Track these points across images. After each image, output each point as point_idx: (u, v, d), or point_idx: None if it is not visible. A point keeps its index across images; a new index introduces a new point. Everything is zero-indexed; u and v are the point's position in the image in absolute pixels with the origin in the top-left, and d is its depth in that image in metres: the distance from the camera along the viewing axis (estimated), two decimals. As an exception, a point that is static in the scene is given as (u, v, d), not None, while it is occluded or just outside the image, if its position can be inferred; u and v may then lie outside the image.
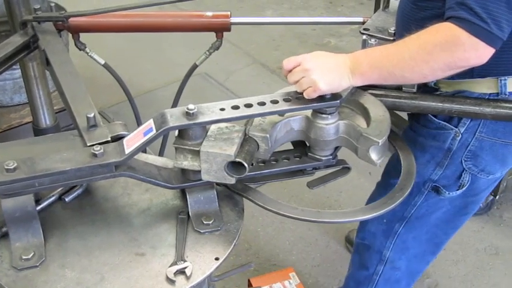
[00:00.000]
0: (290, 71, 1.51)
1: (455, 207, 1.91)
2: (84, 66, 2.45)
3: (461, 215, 1.95)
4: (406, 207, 1.92)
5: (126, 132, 1.46)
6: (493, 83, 1.63)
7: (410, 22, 1.69)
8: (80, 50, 2.26)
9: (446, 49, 1.41)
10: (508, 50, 1.55)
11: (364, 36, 1.85)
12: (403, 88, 1.70)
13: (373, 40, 1.85)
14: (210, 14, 2.23)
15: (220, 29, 2.25)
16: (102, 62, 2.32)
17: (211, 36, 2.29)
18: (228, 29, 2.24)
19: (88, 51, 2.27)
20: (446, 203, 1.89)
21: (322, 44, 4.58)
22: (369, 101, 1.59)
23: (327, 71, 1.47)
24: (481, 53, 1.40)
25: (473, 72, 1.61)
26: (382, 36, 1.87)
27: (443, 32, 1.41)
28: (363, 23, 2.08)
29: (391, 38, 1.85)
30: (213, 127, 1.45)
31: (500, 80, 1.62)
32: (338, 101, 1.49)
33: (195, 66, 2.37)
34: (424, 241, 2.04)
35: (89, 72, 2.75)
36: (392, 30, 1.86)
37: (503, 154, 1.75)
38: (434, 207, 1.90)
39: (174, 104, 2.44)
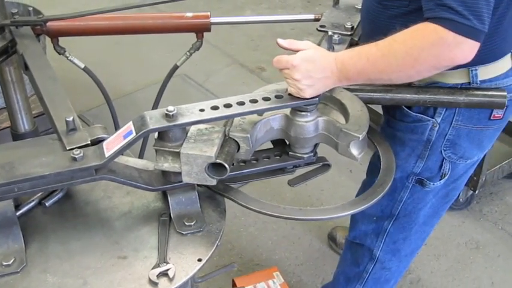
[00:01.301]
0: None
1: (439, 199, 1.94)
2: (63, 69, 2.43)
3: (444, 203, 1.99)
4: (393, 204, 1.94)
5: (106, 136, 1.46)
6: (464, 73, 1.66)
7: (376, 21, 1.71)
8: (60, 54, 2.25)
9: (433, 52, 1.41)
10: None
11: (330, 32, 1.91)
12: None
13: (336, 36, 1.92)
14: (190, 14, 2.23)
15: (200, 30, 2.25)
16: (82, 65, 2.31)
17: (189, 38, 2.29)
18: (208, 29, 2.25)
19: (68, 55, 2.26)
20: (430, 196, 1.91)
21: (301, 43, 4.58)
22: (346, 97, 1.60)
23: (313, 82, 1.47)
24: (466, 50, 1.41)
25: None
26: (340, 32, 1.96)
27: (430, 35, 1.41)
28: (315, 19, 2.16)
29: (349, 33, 1.94)
30: (192, 128, 1.45)
31: (471, 71, 1.66)
32: (317, 99, 1.50)
33: (176, 67, 2.37)
34: (414, 240, 2.06)
35: (68, 75, 2.73)
36: (349, 25, 1.95)
37: (479, 139, 1.79)
38: (421, 203, 1.92)
39: (155, 106, 2.43)
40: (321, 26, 1.96)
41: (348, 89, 1.64)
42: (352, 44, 1.94)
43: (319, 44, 1.85)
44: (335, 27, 1.96)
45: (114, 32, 2.27)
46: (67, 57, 2.26)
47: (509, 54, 1.71)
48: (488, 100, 1.67)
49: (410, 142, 1.81)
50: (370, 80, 1.54)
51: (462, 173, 1.89)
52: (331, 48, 1.85)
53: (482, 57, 1.62)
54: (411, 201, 1.92)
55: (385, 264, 2.11)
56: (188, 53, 2.32)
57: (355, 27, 1.97)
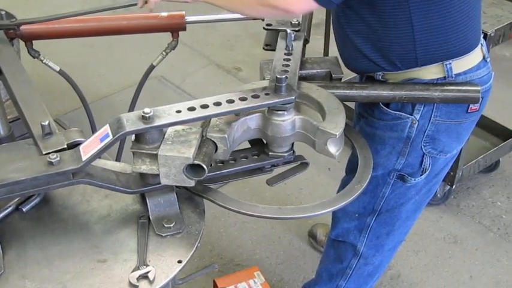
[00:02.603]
0: None
1: (422, 195, 1.97)
2: (38, 73, 2.42)
3: (426, 198, 2.02)
4: (376, 200, 1.96)
5: (82, 139, 1.45)
6: (439, 68, 1.69)
7: (343, 24, 1.74)
8: (34, 57, 2.23)
9: None
10: (445, 34, 1.62)
11: (289, 30, 1.89)
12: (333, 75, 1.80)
13: (292, 33, 1.90)
14: (165, 14, 2.23)
15: (175, 29, 2.25)
16: (57, 68, 2.29)
17: (165, 40, 2.29)
18: (184, 29, 2.25)
19: (42, 58, 2.24)
20: (413, 193, 1.93)
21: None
22: (322, 95, 1.61)
23: None
24: None
25: (417, 61, 1.67)
26: (290, 28, 1.93)
27: None
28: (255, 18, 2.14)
29: (297, 28, 1.92)
30: (169, 130, 1.45)
31: (446, 65, 1.68)
32: (293, 98, 1.50)
33: (152, 67, 2.36)
34: (397, 235, 2.08)
35: (43, 79, 2.71)
36: (295, 21, 1.94)
37: (458, 132, 1.82)
38: (403, 198, 1.94)
39: (131, 108, 2.42)
40: (268, 25, 1.96)
41: (324, 87, 1.65)
42: (306, 39, 1.95)
43: (275, 43, 1.87)
44: (281, 24, 1.95)
45: (88, 34, 2.25)
46: (42, 61, 2.24)
47: (479, 46, 1.74)
48: (463, 95, 1.69)
49: (390, 140, 1.82)
50: None
51: (442, 167, 1.92)
52: (290, 45, 1.84)
53: (455, 50, 1.65)
54: (393, 197, 1.94)
55: (368, 259, 2.12)
56: (164, 53, 2.32)
57: (300, 22, 1.96)
